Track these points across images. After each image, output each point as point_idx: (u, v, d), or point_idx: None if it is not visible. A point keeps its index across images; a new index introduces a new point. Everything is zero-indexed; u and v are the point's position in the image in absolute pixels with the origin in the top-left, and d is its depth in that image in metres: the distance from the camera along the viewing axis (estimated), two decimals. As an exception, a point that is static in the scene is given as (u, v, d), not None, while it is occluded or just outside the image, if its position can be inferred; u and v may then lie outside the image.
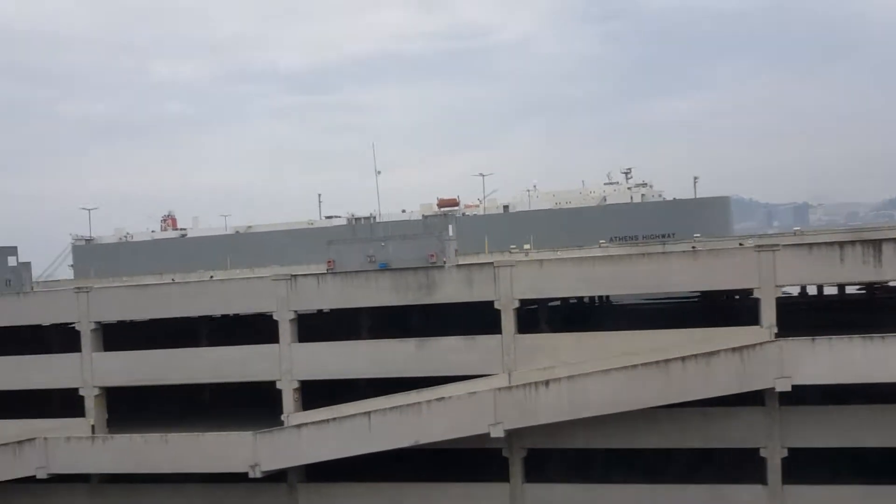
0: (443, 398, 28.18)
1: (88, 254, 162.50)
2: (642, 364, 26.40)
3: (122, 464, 31.18)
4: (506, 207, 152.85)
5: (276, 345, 32.09)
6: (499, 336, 29.85)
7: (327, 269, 38.18)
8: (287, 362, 31.98)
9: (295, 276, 32.51)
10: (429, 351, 30.55)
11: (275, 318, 32.16)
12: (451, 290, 30.41)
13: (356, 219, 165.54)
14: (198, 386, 38.83)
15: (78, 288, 34.10)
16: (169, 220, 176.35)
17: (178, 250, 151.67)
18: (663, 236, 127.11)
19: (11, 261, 51.40)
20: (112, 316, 34.03)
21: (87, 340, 33.69)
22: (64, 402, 37.14)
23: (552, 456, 30.66)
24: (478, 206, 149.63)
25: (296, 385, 32.07)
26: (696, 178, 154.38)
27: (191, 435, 30.54)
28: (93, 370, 33.63)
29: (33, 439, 31.75)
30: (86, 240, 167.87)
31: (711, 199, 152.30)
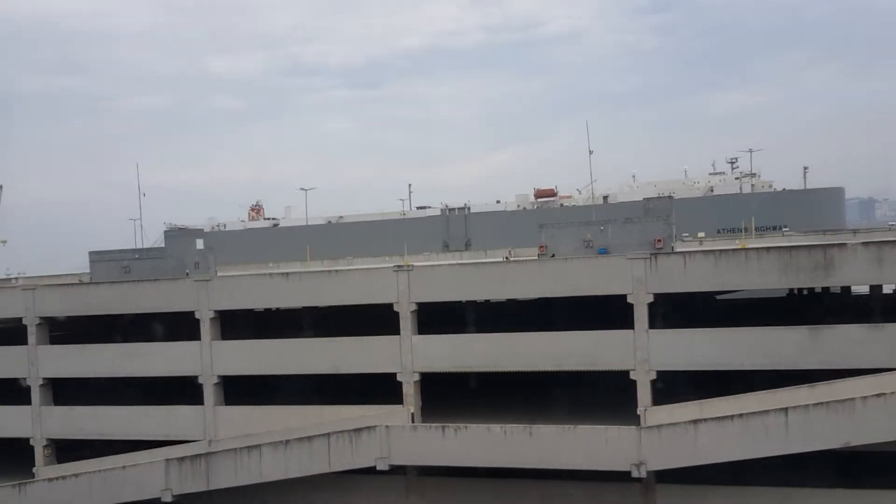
0: (883, 394, 24.69)
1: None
2: None
3: (478, 457, 28.24)
4: (605, 198, 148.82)
5: (630, 331, 28.97)
6: (918, 324, 26.32)
7: (539, 255, 34.86)
8: (643, 350, 28.82)
9: (655, 254, 29.26)
10: (824, 341, 27.12)
11: (629, 300, 29.01)
12: (854, 271, 26.86)
13: (450, 209, 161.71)
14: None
15: (398, 266, 31.28)
16: (258, 210, 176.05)
17: (270, 239, 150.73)
18: (774, 228, 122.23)
19: (199, 243, 49.41)
20: (432, 296, 31.15)
21: (406, 323, 30.88)
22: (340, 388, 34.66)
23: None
24: (572, 197, 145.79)
25: (653, 376, 28.94)
26: (805, 167, 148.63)
27: (562, 428, 27.51)
28: (413, 354, 30.85)
29: (373, 427, 28.99)
30: (179, 228, 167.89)
31: (825, 190, 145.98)
